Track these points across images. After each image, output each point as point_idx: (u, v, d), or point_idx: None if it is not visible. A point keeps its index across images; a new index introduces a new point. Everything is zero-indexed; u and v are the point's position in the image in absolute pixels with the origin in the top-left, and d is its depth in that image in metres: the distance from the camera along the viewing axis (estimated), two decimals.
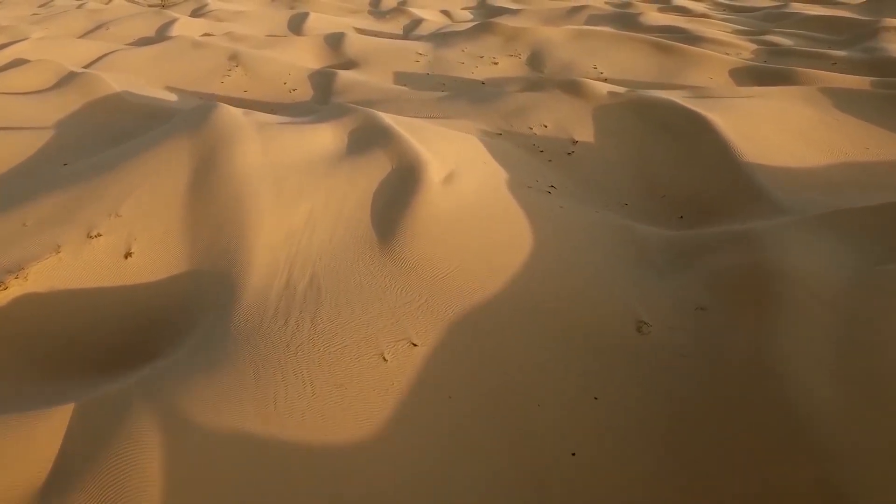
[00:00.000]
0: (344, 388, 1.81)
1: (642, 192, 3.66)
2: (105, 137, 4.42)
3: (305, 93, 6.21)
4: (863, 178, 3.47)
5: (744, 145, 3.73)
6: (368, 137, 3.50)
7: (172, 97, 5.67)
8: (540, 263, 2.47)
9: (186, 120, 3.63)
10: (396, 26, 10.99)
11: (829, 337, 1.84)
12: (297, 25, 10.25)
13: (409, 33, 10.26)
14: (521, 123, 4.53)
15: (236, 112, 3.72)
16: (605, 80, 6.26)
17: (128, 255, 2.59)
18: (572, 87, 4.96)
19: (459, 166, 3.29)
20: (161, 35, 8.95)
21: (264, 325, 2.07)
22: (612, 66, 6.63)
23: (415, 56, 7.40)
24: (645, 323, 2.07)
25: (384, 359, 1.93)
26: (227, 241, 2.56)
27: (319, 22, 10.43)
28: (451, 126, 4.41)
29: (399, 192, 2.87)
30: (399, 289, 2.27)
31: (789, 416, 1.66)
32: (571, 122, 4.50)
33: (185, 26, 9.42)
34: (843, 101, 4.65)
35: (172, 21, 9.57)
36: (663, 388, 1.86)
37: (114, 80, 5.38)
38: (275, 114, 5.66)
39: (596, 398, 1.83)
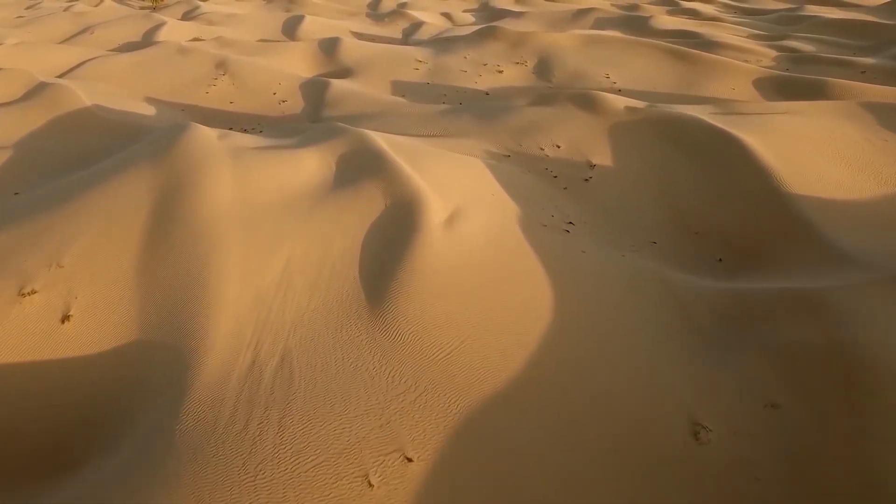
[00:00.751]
0: None
1: (671, 226, 3.22)
2: (69, 159, 3.98)
3: (296, 104, 5.77)
4: None
5: (785, 173, 3.28)
6: (360, 165, 3.06)
7: (150, 110, 5.23)
8: (563, 337, 2.03)
9: (152, 145, 3.19)
10: (395, 30, 10.54)
11: None
12: (291, 29, 9.81)
13: (408, 37, 9.82)
14: (532, 143, 4.09)
15: (210, 135, 3.28)
16: (620, 92, 5.81)
17: (65, 318, 2.15)
18: (586, 102, 4.51)
19: (464, 201, 2.84)
20: (147, 40, 8.51)
21: (218, 430, 1.63)
22: (625, 75, 6.19)
23: (414, 63, 6.96)
24: (703, 427, 1.63)
25: (369, 483, 1.49)
26: (184, 304, 2.12)
27: (315, 25, 9.99)
28: (454, 147, 3.97)
29: (393, 238, 2.42)
30: (390, 373, 1.83)
31: None
32: (587, 142, 4.05)
33: (173, 30, 8.98)
34: (887, 117, 4.20)
35: (160, 25, 9.13)
36: None
37: (85, 93, 4.95)
38: (261, 128, 5.23)
39: None
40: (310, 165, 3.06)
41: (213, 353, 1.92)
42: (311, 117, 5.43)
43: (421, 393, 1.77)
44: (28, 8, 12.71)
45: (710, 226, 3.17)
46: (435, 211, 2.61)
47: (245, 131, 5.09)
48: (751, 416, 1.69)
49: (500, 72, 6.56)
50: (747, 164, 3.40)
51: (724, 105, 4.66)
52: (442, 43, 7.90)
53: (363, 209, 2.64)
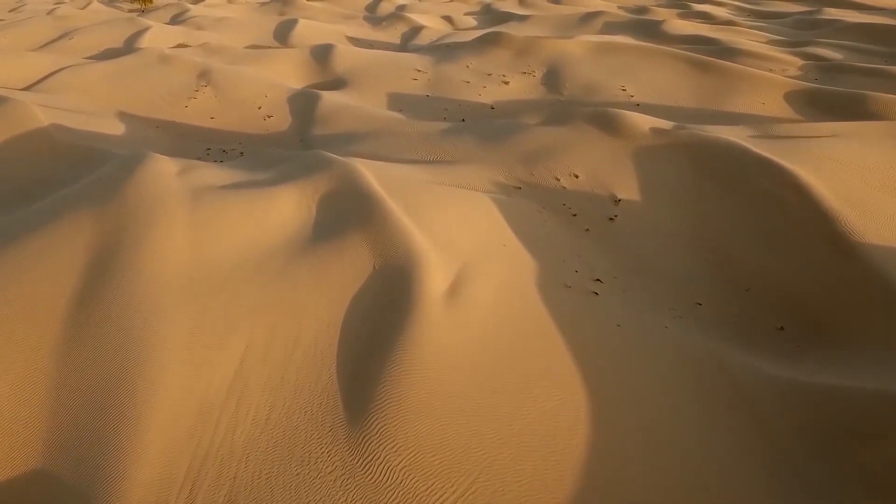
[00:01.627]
0: None
1: (716, 281, 2.71)
2: (10, 194, 3.48)
3: (283, 120, 5.27)
4: None
5: (851, 216, 2.77)
6: (345, 210, 2.56)
7: (118, 129, 4.73)
8: (608, 468, 1.52)
9: (98, 184, 2.68)
10: (394, 34, 10.03)
11: None
12: (283, 34, 9.30)
13: (407, 43, 9.31)
14: (545, 172, 3.58)
15: (167, 172, 2.78)
16: (638, 107, 5.31)
17: None
18: (605, 121, 4.01)
19: (471, 259, 2.34)
20: (129, 46, 8.02)
21: None
22: (643, 87, 5.68)
23: (413, 72, 6.46)
24: None
25: None
26: (104, 417, 1.61)
27: (309, 30, 9.49)
28: (457, 177, 3.47)
29: (382, 319, 1.92)
30: None
31: None
32: (608, 171, 3.55)
33: (158, 36, 8.48)
34: None
35: (144, 30, 8.62)
36: None
37: (44, 110, 4.44)
38: (242, 149, 4.73)
39: None
40: (284, 211, 2.56)
41: (131, 496, 1.41)
42: (298, 136, 4.93)
43: None
44: (11, 11, 12.22)
45: (762, 281, 2.66)
46: (434, 278, 2.10)
47: (224, 152, 4.60)
48: None
49: (506, 83, 6.05)
50: (804, 204, 2.89)
51: (760, 125, 4.15)
52: (443, 50, 7.39)
53: (346, 274, 2.13)
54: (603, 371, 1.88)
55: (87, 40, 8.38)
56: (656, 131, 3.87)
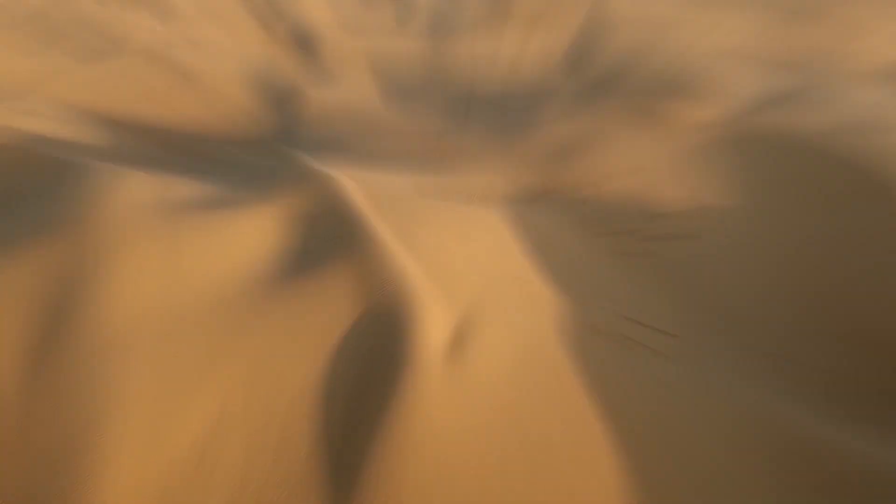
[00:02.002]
0: None
1: (798, 325, 2.13)
2: None
3: (268, 119, 4.79)
4: None
5: None
6: (328, 237, 2.11)
7: (93, 138, 4.39)
8: None
9: (66, 205, 2.33)
10: (388, 10, 9.20)
11: None
12: (270, 23, 8.64)
13: (403, 17, 8.49)
14: (570, 176, 2.98)
15: (135, 192, 2.39)
16: (695, 84, 4.38)
17: None
18: (647, 110, 3.32)
19: (478, 299, 1.86)
20: (115, 47, 7.61)
21: None
22: (702, 53, 4.63)
23: (409, 54, 5.78)
24: None
25: None
26: (47, 498, 1.29)
27: (296, 13, 8.78)
28: (461, 187, 2.93)
29: (368, 378, 1.50)
30: None
31: None
32: (653, 176, 2.91)
33: (146, 35, 8.01)
34: None
35: (132, 30, 8.17)
36: None
37: (14, 118, 4.13)
38: (221, 154, 4.32)
39: None
40: (262, 238, 2.13)
41: None
42: (284, 135, 4.46)
43: None
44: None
45: (863, 327, 2.06)
46: (433, 325, 1.64)
47: (205, 161, 4.21)
48: None
49: (521, 58, 5.28)
50: None
51: (879, 112, 3.26)
52: (444, 21, 6.61)
53: (329, 316, 1.71)
54: (646, 449, 1.41)
55: (74, 41, 8.03)
56: (718, 121, 3.13)
